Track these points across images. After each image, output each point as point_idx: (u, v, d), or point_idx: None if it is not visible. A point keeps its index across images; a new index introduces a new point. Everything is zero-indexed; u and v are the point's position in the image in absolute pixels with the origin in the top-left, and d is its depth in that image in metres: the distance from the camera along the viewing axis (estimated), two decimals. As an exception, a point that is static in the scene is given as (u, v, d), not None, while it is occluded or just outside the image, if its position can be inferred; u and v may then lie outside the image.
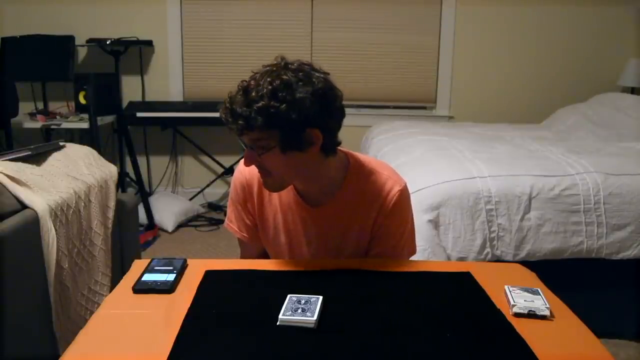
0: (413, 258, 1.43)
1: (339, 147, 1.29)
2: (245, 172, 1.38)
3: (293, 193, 1.35)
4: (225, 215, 1.56)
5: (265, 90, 1.12)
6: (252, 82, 1.15)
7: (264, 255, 1.50)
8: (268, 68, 1.18)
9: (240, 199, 1.42)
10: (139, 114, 3.71)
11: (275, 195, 1.37)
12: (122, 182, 3.81)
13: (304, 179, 1.30)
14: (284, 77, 1.14)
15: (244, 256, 1.53)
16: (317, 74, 1.19)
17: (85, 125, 3.43)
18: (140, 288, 1.16)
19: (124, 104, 3.88)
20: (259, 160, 1.20)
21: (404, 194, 1.34)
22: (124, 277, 1.23)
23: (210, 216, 3.95)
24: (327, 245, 1.37)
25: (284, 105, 1.12)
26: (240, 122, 1.14)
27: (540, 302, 1.08)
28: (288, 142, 1.16)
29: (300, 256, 1.41)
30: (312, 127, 1.17)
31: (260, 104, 1.12)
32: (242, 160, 1.28)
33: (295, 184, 1.34)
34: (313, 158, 1.22)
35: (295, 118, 1.13)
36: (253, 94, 1.13)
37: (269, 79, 1.14)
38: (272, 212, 1.39)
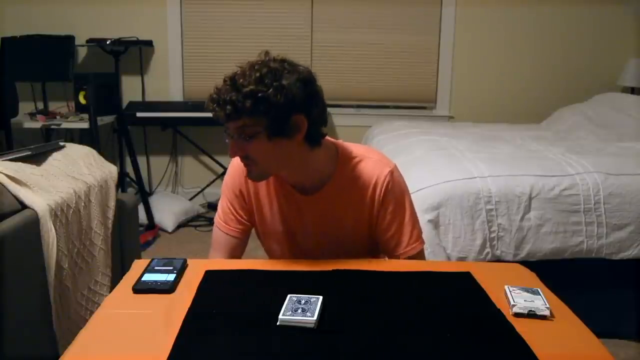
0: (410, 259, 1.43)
1: (328, 138, 1.33)
2: (241, 166, 1.37)
3: (286, 183, 1.37)
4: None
5: (253, 77, 1.16)
6: (239, 72, 1.19)
7: (238, 253, 1.48)
8: (253, 61, 1.22)
9: (235, 191, 1.42)
10: (139, 114, 3.71)
11: (270, 186, 1.38)
12: (122, 182, 3.80)
13: (290, 169, 1.32)
14: (271, 65, 1.19)
15: (217, 250, 1.48)
16: (300, 66, 1.24)
17: (85, 125, 3.43)
18: (140, 288, 1.16)
19: (124, 104, 3.88)
20: (245, 148, 1.22)
21: (395, 174, 1.37)
22: (124, 277, 1.23)
23: (210, 216, 3.95)
24: (324, 233, 1.39)
25: (271, 89, 1.16)
26: (228, 107, 1.16)
27: (540, 302, 1.08)
28: (275, 127, 1.19)
29: (300, 246, 1.42)
30: (298, 113, 1.20)
31: (248, 89, 1.15)
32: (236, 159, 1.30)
33: (283, 176, 1.35)
34: (299, 147, 1.25)
35: (282, 102, 1.17)
36: (241, 80, 1.16)
37: (256, 67, 1.18)
38: (269, 202, 1.41)
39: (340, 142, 1.40)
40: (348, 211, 1.36)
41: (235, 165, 1.43)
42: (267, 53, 1.24)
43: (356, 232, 1.39)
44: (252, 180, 1.34)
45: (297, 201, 1.37)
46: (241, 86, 1.16)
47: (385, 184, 1.34)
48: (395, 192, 1.36)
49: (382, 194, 1.35)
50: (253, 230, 1.50)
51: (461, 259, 2.15)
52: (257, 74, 1.17)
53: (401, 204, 1.38)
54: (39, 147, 1.94)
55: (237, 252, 1.46)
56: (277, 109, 1.17)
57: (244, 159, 1.26)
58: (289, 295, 1.08)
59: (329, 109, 4.47)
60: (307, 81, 1.22)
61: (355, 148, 1.39)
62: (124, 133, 3.67)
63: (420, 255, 1.42)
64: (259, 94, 1.15)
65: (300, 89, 1.19)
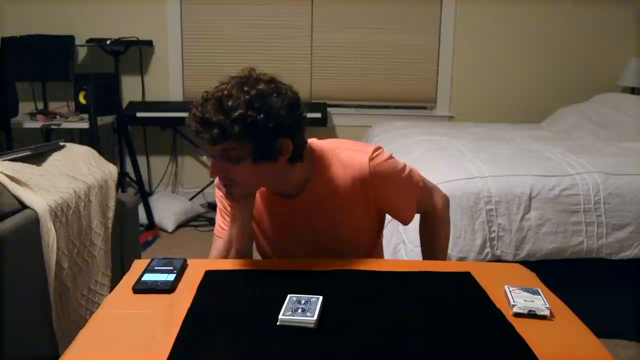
0: (413, 257, 1.44)
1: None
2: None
3: (269, 191, 1.36)
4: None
5: (241, 99, 1.13)
6: (225, 92, 1.15)
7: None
8: (237, 79, 1.18)
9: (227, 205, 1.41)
10: (139, 114, 3.71)
11: (256, 195, 1.37)
12: (122, 182, 3.81)
13: (269, 185, 1.32)
14: (259, 87, 1.16)
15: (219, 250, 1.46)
16: (285, 86, 1.22)
17: (85, 125, 3.43)
18: (140, 288, 1.16)
19: (124, 104, 3.88)
20: (228, 170, 1.20)
21: (376, 160, 1.31)
22: (124, 277, 1.23)
23: (210, 216, 3.95)
24: (318, 233, 1.37)
25: (262, 115, 1.14)
26: (214, 131, 1.13)
27: (540, 302, 1.08)
28: (261, 152, 1.18)
29: (294, 250, 1.41)
30: (284, 137, 1.19)
31: (237, 113, 1.12)
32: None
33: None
34: (281, 167, 1.23)
35: (271, 128, 1.15)
36: (229, 103, 1.13)
37: (244, 89, 1.15)
38: (258, 211, 1.40)
39: (313, 141, 1.37)
40: (336, 208, 1.34)
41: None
42: (252, 70, 1.21)
43: (352, 227, 1.38)
44: (231, 201, 1.31)
45: (281, 207, 1.36)
46: (229, 109, 1.12)
47: (371, 174, 1.30)
48: (386, 175, 1.32)
49: (373, 184, 1.31)
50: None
51: (461, 259, 2.15)
52: (247, 97, 1.13)
53: (399, 181, 1.36)
54: (39, 147, 1.94)
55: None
56: (264, 135, 1.16)
57: (224, 180, 1.24)
58: (289, 295, 1.08)
59: (329, 109, 4.47)
60: (295, 105, 1.20)
61: (326, 144, 1.36)
62: (124, 133, 3.67)
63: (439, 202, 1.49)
64: (248, 119, 1.13)
65: (289, 114, 1.18)
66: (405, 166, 1.39)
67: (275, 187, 1.33)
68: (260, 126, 1.14)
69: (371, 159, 1.31)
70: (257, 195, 1.38)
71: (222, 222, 1.43)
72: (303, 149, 1.27)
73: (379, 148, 1.34)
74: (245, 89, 1.15)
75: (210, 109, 1.14)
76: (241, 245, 1.35)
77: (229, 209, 1.41)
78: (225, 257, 1.37)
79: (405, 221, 1.46)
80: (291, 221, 1.37)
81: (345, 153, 1.33)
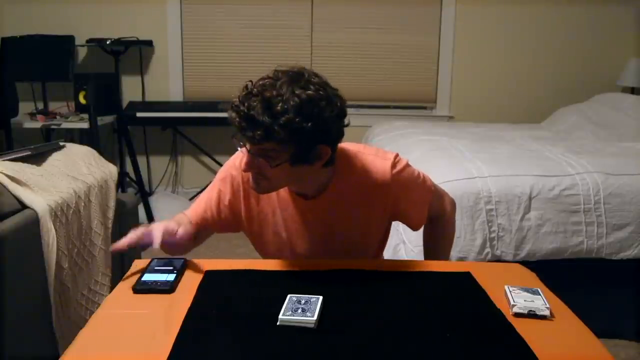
0: (413, 257, 1.44)
1: None
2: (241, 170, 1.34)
3: (287, 189, 1.35)
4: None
5: (291, 103, 1.09)
6: (274, 92, 1.10)
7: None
8: (287, 77, 1.13)
9: (234, 191, 1.38)
10: (139, 114, 3.71)
11: (272, 194, 1.36)
12: (122, 182, 3.80)
13: (296, 185, 1.31)
14: (310, 92, 1.11)
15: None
16: (334, 91, 1.18)
17: (85, 125, 3.43)
18: (140, 288, 1.16)
19: (124, 104, 3.88)
20: (262, 167, 1.18)
21: (398, 166, 1.32)
22: (124, 277, 1.23)
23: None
24: (330, 235, 1.37)
25: (310, 123, 1.10)
26: (258, 132, 1.10)
27: (540, 302, 1.08)
28: (300, 156, 1.16)
29: (304, 250, 1.40)
30: (325, 144, 1.17)
31: (285, 118, 1.08)
32: (239, 159, 1.26)
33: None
34: (315, 170, 1.23)
35: (317, 136, 1.13)
36: (279, 106, 1.08)
37: (296, 92, 1.10)
38: (271, 209, 1.38)
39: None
40: (353, 211, 1.34)
41: (235, 172, 1.37)
42: (303, 69, 1.16)
43: (364, 231, 1.37)
44: (257, 192, 1.29)
45: (300, 207, 1.35)
46: (278, 113, 1.08)
47: (393, 180, 1.30)
48: (406, 182, 1.33)
49: (394, 191, 1.31)
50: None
51: (461, 259, 2.15)
52: (297, 101, 1.09)
53: (416, 188, 1.37)
54: (39, 147, 1.94)
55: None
56: (308, 141, 1.14)
57: (257, 174, 1.21)
58: (289, 295, 1.08)
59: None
60: (342, 115, 1.19)
61: (349, 147, 1.36)
62: (124, 133, 3.67)
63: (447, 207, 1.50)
64: (295, 126, 1.09)
65: (335, 124, 1.16)
66: (419, 172, 1.40)
67: (299, 187, 1.32)
68: (307, 134, 1.11)
69: (393, 166, 1.31)
70: (273, 195, 1.36)
71: (200, 211, 1.40)
72: (336, 153, 1.26)
73: (397, 155, 1.35)
74: (297, 92, 1.10)
75: (258, 106, 1.09)
76: (175, 243, 1.29)
77: (221, 206, 1.39)
78: (170, 231, 1.27)
79: (416, 227, 1.46)
80: (306, 221, 1.36)
81: (367, 158, 1.33)
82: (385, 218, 1.39)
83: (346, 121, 1.22)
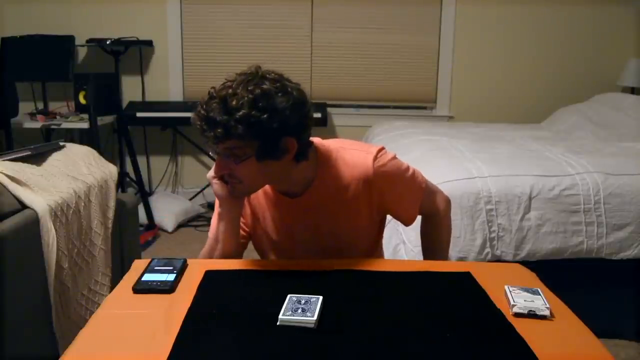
0: (413, 257, 1.44)
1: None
2: None
3: (272, 189, 1.36)
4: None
5: (245, 99, 1.13)
6: (229, 91, 1.14)
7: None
8: (243, 77, 1.17)
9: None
10: (139, 114, 3.71)
11: (261, 195, 1.38)
12: (122, 182, 3.81)
13: (275, 183, 1.32)
14: (264, 86, 1.15)
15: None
16: (291, 84, 1.21)
17: (85, 125, 3.43)
18: (140, 288, 1.16)
19: (124, 104, 3.88)
20: (232, 168, 1.21)
21: (381, 160, 1.32)
22: (124, 277, 1.23)
23: (210, 216, 3.94)
24: (320, 233, 1.37)
25: (266, 115, 1.13)
26: (218, 130, 1.14)
27: (540, 302, 1.08)
28: (265, 151, 1.17)
29: (294, 249, 1.41)
30: (289, 136, 1.19)
31: (241, 113, 1.12)
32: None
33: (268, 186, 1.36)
34: (285, 165, 1.23)
35: (275, 127, 1.15)
36: (233, 102, 1.13)
37: (249, 88, 1.14)
38: (262, 210, 1.40)
39: (318, 140, 1.37)
40: (339, 207, 1.34)
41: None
42: (258, 68, 1.20)
43: (354, 227, 1.37)
44: (234, 196, 1.30)
45: (285, 206, 1.36)
46: (233, 109, 1.12)
47: (375, 174, 1.30)
48: (390, 175, 1.33)
49: (377, 184, 1.31)
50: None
51: (461, 259, 2.15)
52: (251, 96, 1.13)
53: (402, 182, 1.37)
54: (39, 147, 1.94)
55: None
56: (269, 134, 1.15)
57: (229, 177, 1.24)
58: (289, 295, 1.08)
59: (328, 109, 4.45)
60: (301, 104, 1.20)
61: (331, 143, 1.37)
62: (124, 133, 3.67)
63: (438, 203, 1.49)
64: (252, 119, 1.12)
65: (294, 114, 1.17)
66: (408, 167, 1.39)
67: (279, 185, 1.34)
68: (265, 126, 1.14)
69: (375, 159, 1.31)
70: (260, 193, 1.38)
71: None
72: (308, 148, 1.27)
73: (382, 148, 1.35)
74: (250, 87, 1.14)
75: (215, 107, 1.14)
76: (227, 246, 1.35)
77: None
78: (211, 256, 1.37)
79: (407, 222, 1.47)
80: (294, 220, 1.37)
81: (349, 153, 1.33)
82: (373, 212, 1.38)
83: (310, 114, 1.23)
